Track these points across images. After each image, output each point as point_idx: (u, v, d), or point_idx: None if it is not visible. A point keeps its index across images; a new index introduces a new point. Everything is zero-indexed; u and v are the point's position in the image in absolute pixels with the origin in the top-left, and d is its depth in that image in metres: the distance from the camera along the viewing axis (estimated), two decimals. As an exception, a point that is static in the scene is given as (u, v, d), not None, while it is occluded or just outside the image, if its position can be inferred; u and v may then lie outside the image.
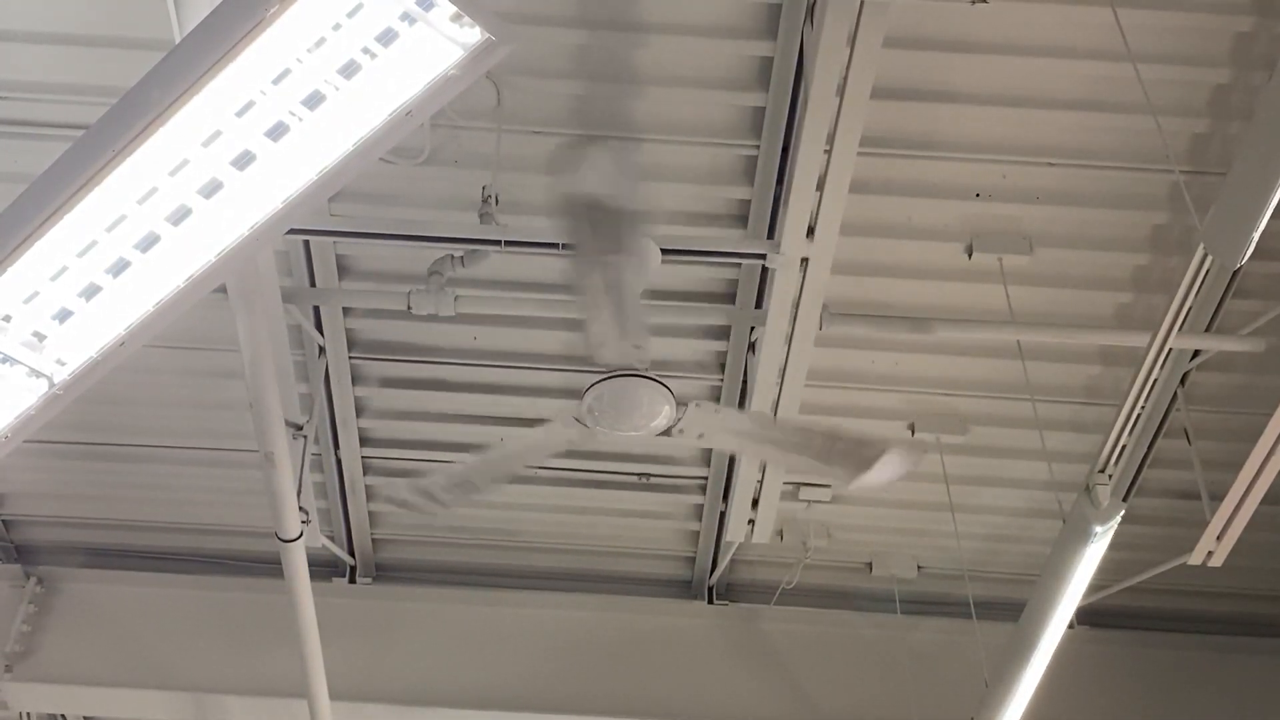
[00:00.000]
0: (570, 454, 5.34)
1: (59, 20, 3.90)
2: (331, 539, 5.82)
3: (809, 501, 5.54)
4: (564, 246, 3.26)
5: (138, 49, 3.86)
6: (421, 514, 3.94)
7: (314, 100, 2.51)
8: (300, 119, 2.53)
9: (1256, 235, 2.76)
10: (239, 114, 2.50)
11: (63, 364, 2.90)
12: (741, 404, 4.97)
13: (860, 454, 3.49)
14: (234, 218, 2.69)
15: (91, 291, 2.77)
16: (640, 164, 3.79)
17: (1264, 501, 4.06)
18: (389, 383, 5.16)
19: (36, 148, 4.16)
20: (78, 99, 4.07)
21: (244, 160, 2.61)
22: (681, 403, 3.55)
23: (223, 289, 3.66)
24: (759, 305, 4.58)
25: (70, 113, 4.11)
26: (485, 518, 5.84)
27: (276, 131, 2.55)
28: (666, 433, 3.63)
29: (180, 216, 2.67)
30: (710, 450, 5.35)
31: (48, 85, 4.08)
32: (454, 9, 2.36)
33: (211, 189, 2.64)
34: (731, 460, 5.27)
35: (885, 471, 3.52)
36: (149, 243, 2.70)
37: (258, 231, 2.70)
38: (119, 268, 2.74)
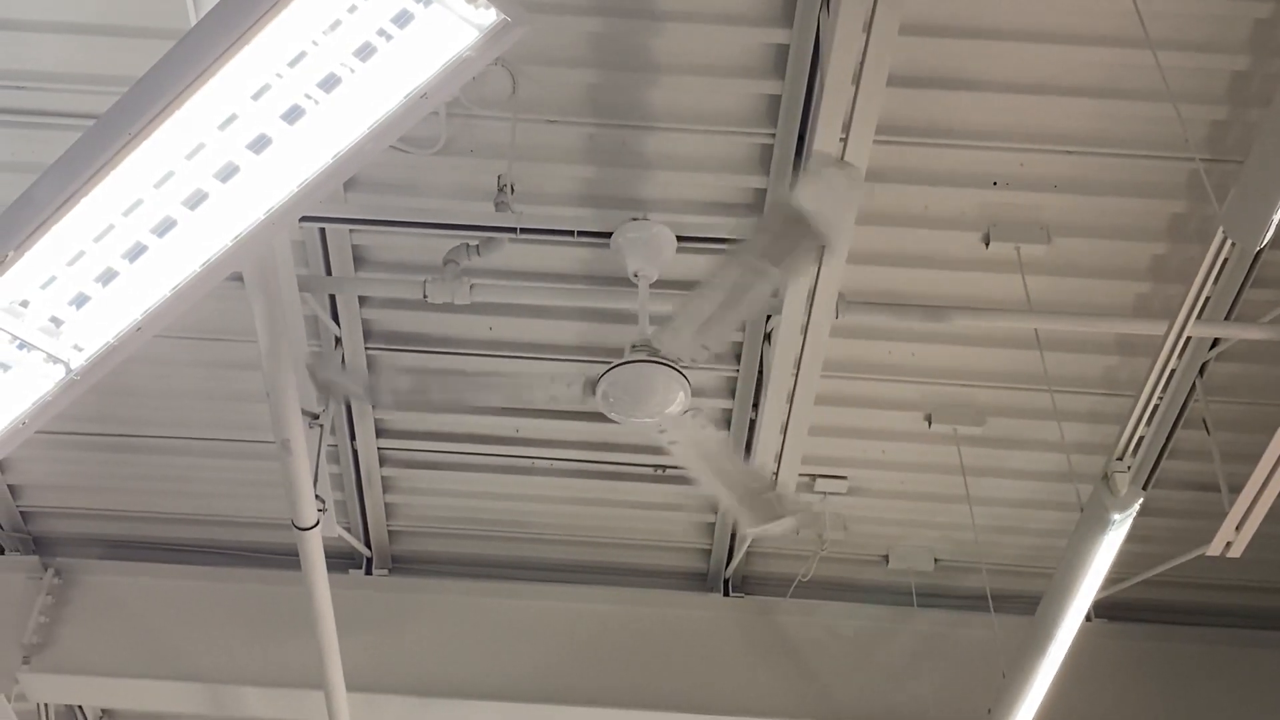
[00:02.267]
0: (585, 446, 5.43)
1: (75, 9, 3.91)
2: (348, 530, 5.84)
3: (825, 494, 5.53)
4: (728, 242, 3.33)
5: (154, 38, 3.87)
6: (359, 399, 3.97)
7: (330, 83, 2.51)
8: (316, 102, 2.53)
9: (1276, 218, 2.75)
10: (255, 97, 2.51)
11: (80, 349, 2.91)
12: (757, 395, 4.97)
13: (771, 509, 3.55)
14: (250, 202, 2.70)
15: (109, 276, 2.77)
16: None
17: (1284, 492, 4.03)
18: (406, 373, 5.15)
19: (53, 138, 4.18)
20: (94, 89, 4.08)
21: (260, 144, 2.61)
22: (697, 394, 3.56)
23: (239, 277, 3.68)
24: (774, 294, 4.56)
25: (86, 102, 4.12)
26: (500, 510, 5.86)
27: (292, 115, 2.55)
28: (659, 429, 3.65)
29: (197, 200, 2.67)
30: (726, 441, 5.35)
31: (64, 75, 4.09)
32: (469, -10, 2.36)
33: (228, 173, 2.64)
34: (747, 451, 5.26)
35: (785, 523, 3.78)
36: (165, 227, 2.70)
37: (274, 215, 2.70)
38: (136, 252, 2.74)
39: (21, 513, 5.96)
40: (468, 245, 4.28)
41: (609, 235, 4.20)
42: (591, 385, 3.61)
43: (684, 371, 3.58)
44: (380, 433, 5.45)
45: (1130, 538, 3.95)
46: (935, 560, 5.85)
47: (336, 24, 2.43)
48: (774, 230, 3.14)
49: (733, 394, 5.08)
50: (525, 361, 5.04)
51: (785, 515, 3.65)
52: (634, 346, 3.69)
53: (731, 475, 3.71)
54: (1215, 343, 4.63)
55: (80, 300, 2.81)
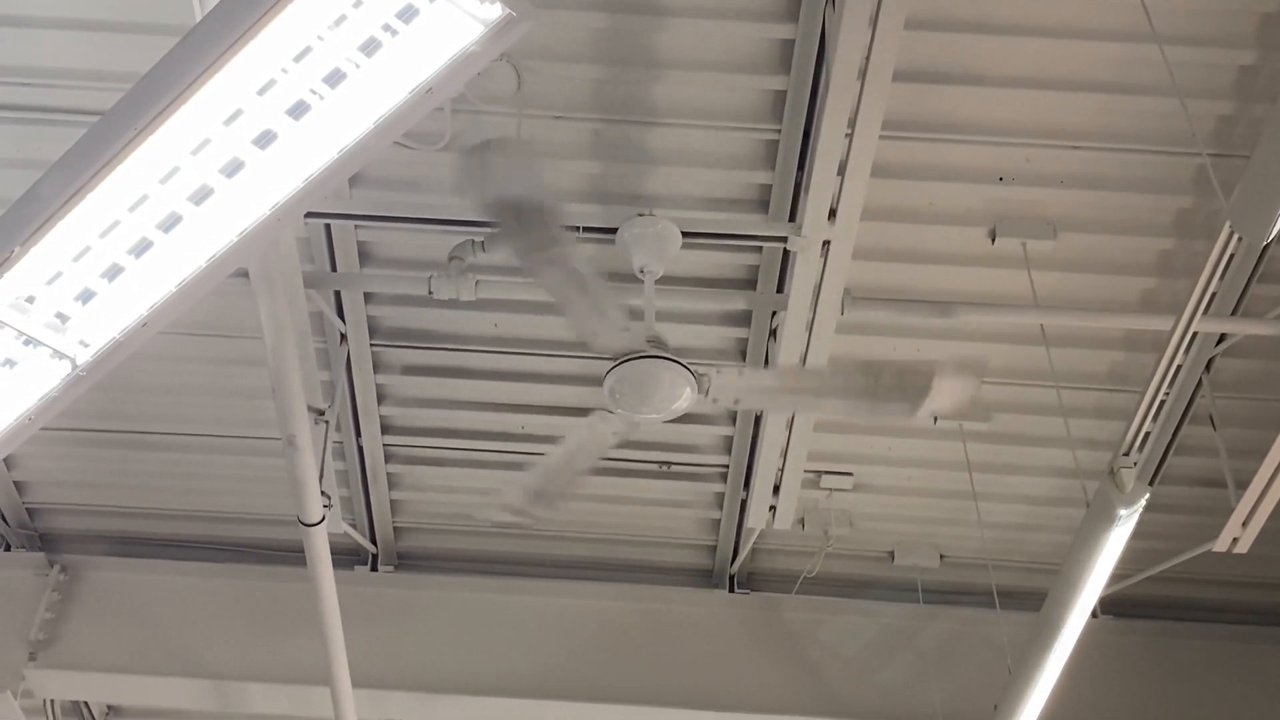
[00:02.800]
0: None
1: (80, 6, 3.92)
2: (354, 526, 5.85)
3: (831, 490, 5.53)
4: (517, 254, 3.35)
5: (159, 34, 3.87)
6: (527, 520, 4.06)
7: (335, 78, 2.52)
8: (321, 97, 2.54)
9: (1283, 212, 2.74)
10: (260, 92, 2.51)
11: (86, 345, 2.92)
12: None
13: (909, 384, 3.47)
14: (256, 197, 2.70)
15: (114, 272, 2.79)
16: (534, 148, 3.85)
17: (1290, 487, 4.03)
18: (411, 370, 5.17)
19: (58, 134, 4.18)
20: (98, 85, 4.09)
21: (265, 139, 2.62)
22: (701, 373, 3.56)
23: (245, 273, 3.68)
24: (780, 290, 4.57)
25: (91, 99, 4.13)
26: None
27: (298, 110, 2.56)
28: (699, 403, 3.64)
29: (202, 196, 2.68)
30: (731, 437, 5.36)
31: (68, 71, 4.10)
32: (474, -15, 2.36)
33: (233, 168, 2.65)
34: (753, 447, 5.26)
35: (944, 396, 3.48)
36: (171, 223, 2.71)
37: (280, 210, 2.70)
38: (141, 248, 2.75)
39: (28, 509, 5.96)
40: (473, 241, 4.28)
41: (614, 231, 4.20)
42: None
43: (691, 367, 3.58)
44: (386, 429, 5.45)
45: (1136, 534, 3.95)
46: (941, 557, 5.85)
47: (341, 19, 2.44)
48: (516, 228, 3.18)
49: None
50: (531, 358, 5.05)
51: (933, 381, 3.50)
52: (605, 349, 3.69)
53: (824, 386, 3.58)
54: (1222, 338, 4.63)
55: (86, 296, 2.82)
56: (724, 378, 3.56)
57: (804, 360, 4.38)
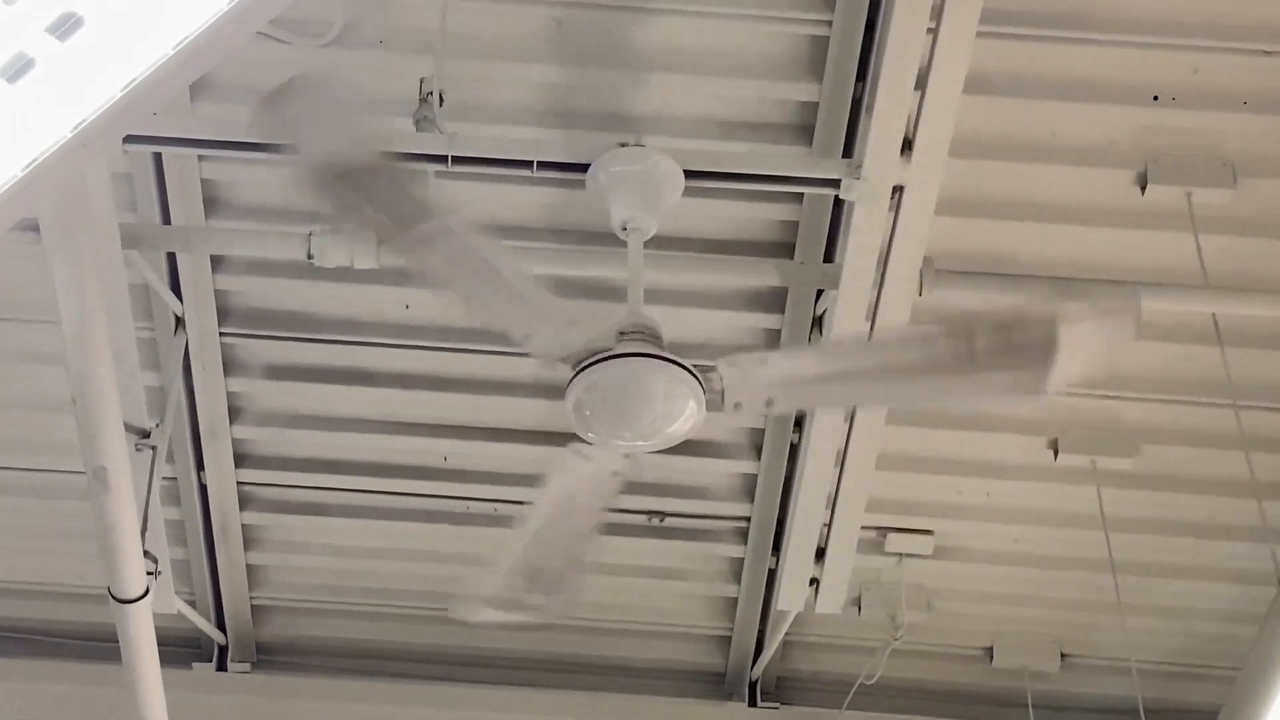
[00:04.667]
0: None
1: None
2: (193, 605, 5.83)
3: (901, 555, 5.53)
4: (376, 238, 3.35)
5: None
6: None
7: (169, -68, 2.50)
8: (149, -39, 2.52)
9: None
10: (57, -47, 2.50)
11: None
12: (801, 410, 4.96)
13: (1021, 343, 3.32)
14: (50, 112, 2.68)
15: None
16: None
17: None
18: (279, 372, 5.18)
19: None
20: None
21: (66, 25, 2.60)
22: (706, 369, 3.54)
23: (34, 226, 3.65)
24: (829, 259, 4.58)
25: None
26: (419, 577, 5.85)
27: (114, -19, 2.54)
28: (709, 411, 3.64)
29: (-30, 108, 2.66)
30: (754, 477, 5.35)
31: None
32: None
33: (16, 68, 2.62)
34: (786, 492, 5.26)
35: (1084, 352, 3.30)
36: (-79, 147, 2.69)
37: (84, 133, 2.68)
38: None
39: None
40: (374, 181, 4.27)
41: (585, 168, 4.19)
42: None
43: (695, 371, 3.57)
44: (241, 460, 5.44)
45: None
46: (1062, 655, 5.86)
47: None
48: (359, 204, 3.18)
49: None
50: (460, 356, 5.03)
51: (1061, 334, 3.37)
52: (621, 333, 3.68)
53: (892, 363, 3.48)
54: None
55: None
56: (742, 368, 3.52)
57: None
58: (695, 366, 3.61)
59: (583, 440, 3.71)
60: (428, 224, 3.23)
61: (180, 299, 4.90)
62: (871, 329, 4.27)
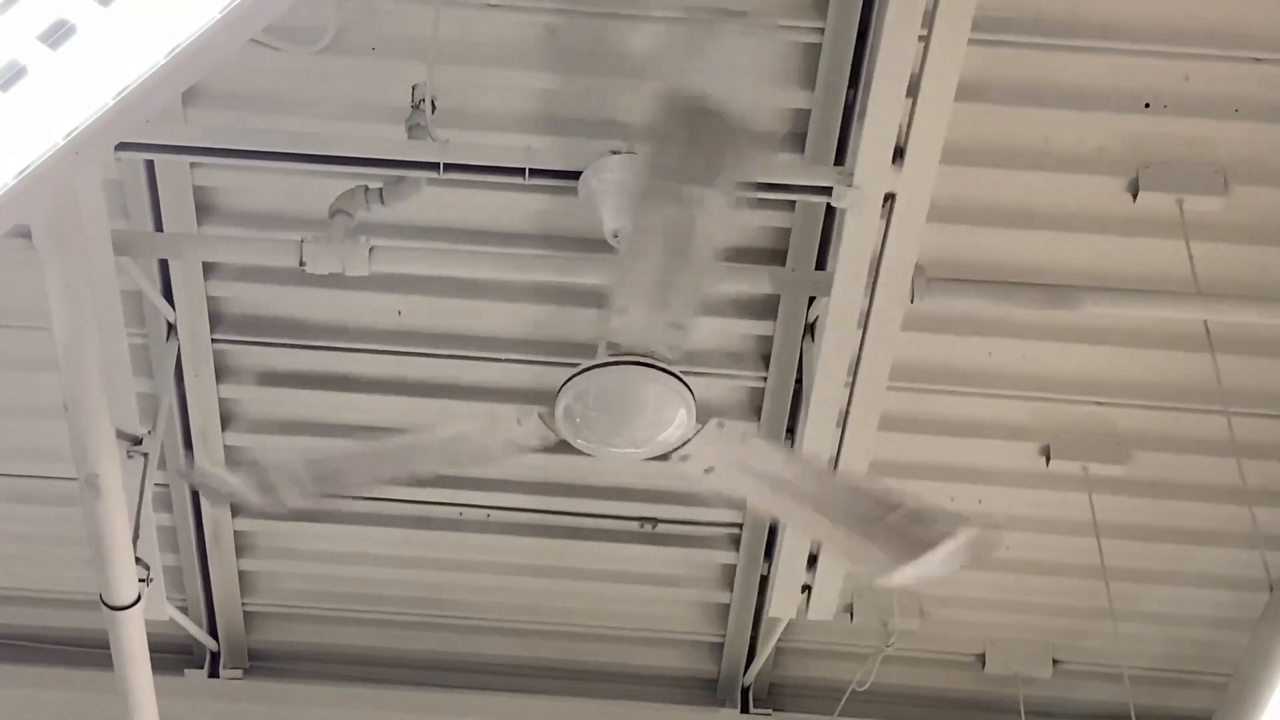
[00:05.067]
0: (540, 489, 5.41)
1: None
2: (185, 611, 5.82)
3: (893, 561, 5.54)
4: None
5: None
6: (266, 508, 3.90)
7: (162, -57, 2.50)
8: (142, -30, 2.53)
9: None
10: (50, -38, 2.50)
11: None
12: (794, 415, 4.96)
13: (916, 533, 3.55)
14: (43, 118, 2.68)
15: None
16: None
17: None
18: (271, 379, 5.17)
19: None
20: None
21: (59, 34, 2.60)
22: (702, 414, 3.56)
23: (26, 233, 3.65)
24: (820, 266, 4.58)
25: None
26: (412, 584, 5.85)
27: (107, -11, 2.55)
28: (665, 457, 3.66)
29: (-38, 117, 2.66)
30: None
31: None
32: None
33: (9, 75, 2.63)
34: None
35: (939, 563, 3.57)
36: (-81, 154, 2.69)
37: (77, 140, 2.68)
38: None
39: None
40: (366, 189, 4.26)
41: (577, 175, 4.19)
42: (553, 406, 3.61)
43: (684, 377, 3.57)
44: (233, 466, 5.42)
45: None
46: (1054, 662, 5.87)
47: None
48: (678, 137, 3.14)
49: (758, 412, 5.09)
50: (452, 362, 5.03)
51: (939, 546, 3.58)
52: (611, 342, 3.68)
53: (825, 498, 3.66)
54: None
55: None
56: (721, 435, 3.58)
57: (854, 370, 4.38)
58: (686, 375, 3.62)
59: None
60: (700, 190, 3.19)
61: (172, 305, 4.90)
62: (861, 345, 4.29)
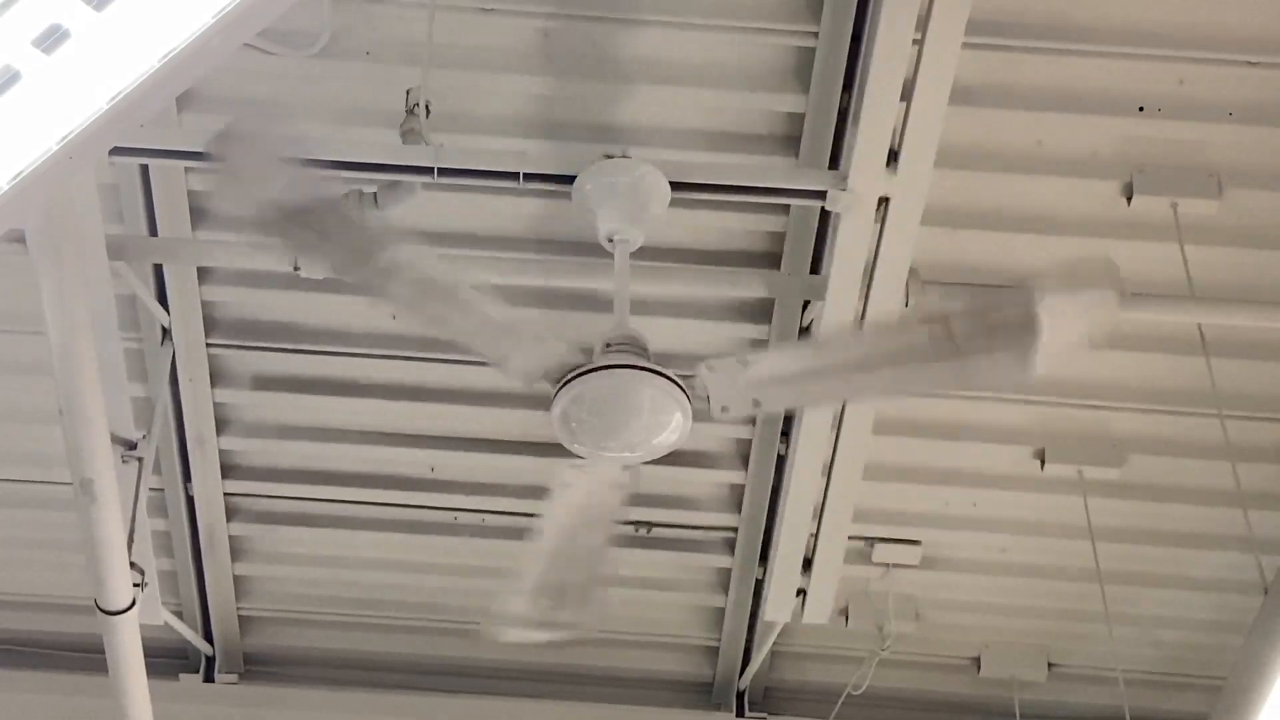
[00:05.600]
0: (535, 492, 5.37)
1: None
2: (180, 616, 5.82)
3: (889, 565, 5.53)
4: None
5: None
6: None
7: (156, -53, 2.50)
8: (136, -25, 2.53)
9: None
10: (45, -32, 2.50)
11: None
12: (788, 420, 4.96)
13: (1000, 324, 3.24)
14: (36, 124, 2.68)
15: None
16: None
17: None
18: (266, 383, 5.17)
19: None
20: None
21: (53, 38, 2.60)
22: (687, 376, 3.54)
23: (20, 238, 3.65)
24: (815, 270, 4.58)
25: None
26: (405, 588, 5.85)
27: (101, -5, 2.55)
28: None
29: (-44, 122, 2.66)
30: (741, 488, 5.35)
31: None
32: None
33: (4, 80, 2.62)
34: (773, 502, 5.26)
35: (1062, 330, 3.22)
36: (-87, 159, 2.69)
37: (72, 144, 2.68)
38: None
39: None
40: (361, 193, 4.26)
41: (571, 180, 4.19)
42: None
43: (681, 382, 3.57)
44: (228, 471, 5.44)
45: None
46: (1049, 665, 5.88)
47: None
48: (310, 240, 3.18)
49: (751, 418, 5.08)
50: (445, 367, 5.03)
51: (1039, 308, 3.28)
52: (608, 345, 3.68)
53: (876, 354, 3.42)
54: None
55: None
56: (725, 372, 3.51)
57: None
58: (680, 376, 3.62)
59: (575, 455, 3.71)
60: (383, 255, 3.21)
61: (167, 310, 4.89)
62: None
